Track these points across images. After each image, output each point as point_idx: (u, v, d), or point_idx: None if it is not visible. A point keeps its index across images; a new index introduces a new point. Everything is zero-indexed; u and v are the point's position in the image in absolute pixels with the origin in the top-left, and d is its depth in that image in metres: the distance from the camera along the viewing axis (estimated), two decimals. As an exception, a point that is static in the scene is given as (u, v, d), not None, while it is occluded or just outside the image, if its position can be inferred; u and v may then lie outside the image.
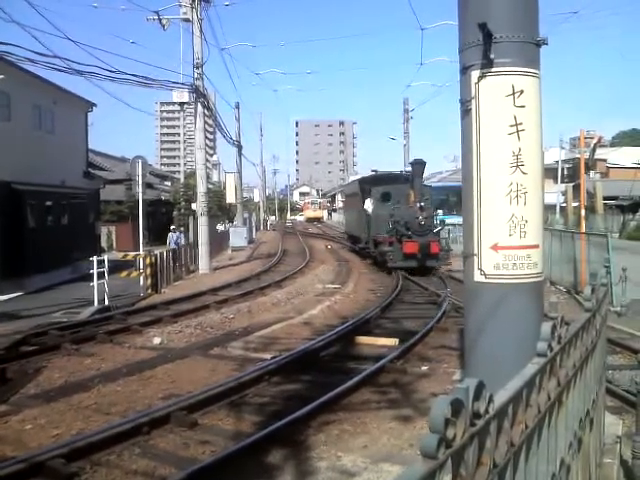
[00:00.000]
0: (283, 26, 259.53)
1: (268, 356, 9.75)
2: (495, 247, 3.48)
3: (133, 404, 7.60)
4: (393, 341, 10.64)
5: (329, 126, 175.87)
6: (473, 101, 3.54)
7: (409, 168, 26.40)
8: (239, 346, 10.86)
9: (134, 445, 6.23)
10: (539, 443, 2.10)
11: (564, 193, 45.86)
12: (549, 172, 52.77)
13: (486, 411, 1.44)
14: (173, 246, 23.49)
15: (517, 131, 3.45)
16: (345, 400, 7.58)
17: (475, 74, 3.52)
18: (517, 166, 3.45)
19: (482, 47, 3.44)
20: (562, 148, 57.17)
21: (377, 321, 12.83)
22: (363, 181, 28.78)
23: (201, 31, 23.68)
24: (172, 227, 24.55)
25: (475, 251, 3.54)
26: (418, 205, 21.39)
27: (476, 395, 1.38)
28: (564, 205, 44.45)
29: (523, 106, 3.47)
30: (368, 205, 25.24)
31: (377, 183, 26.03)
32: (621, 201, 50.60)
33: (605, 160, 66.35)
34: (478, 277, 3.55)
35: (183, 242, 26.01)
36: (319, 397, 7.31)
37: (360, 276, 21.75)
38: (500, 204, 3.45)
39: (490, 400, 1.47)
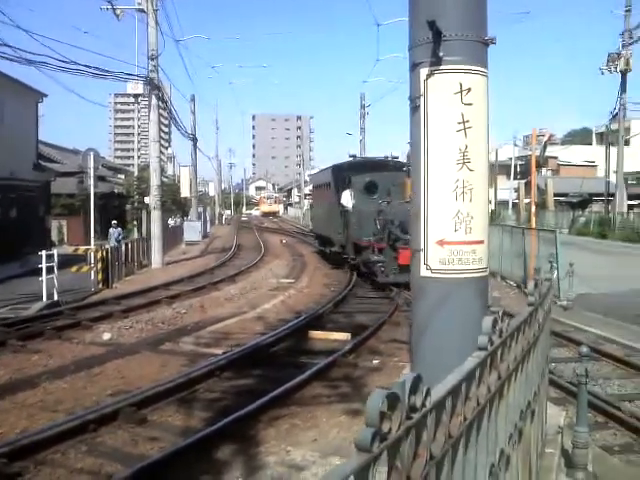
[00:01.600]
0: (240, 19, 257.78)
1: (220, 351, 9.70)
2: (441, 242, 3.53)
3: (80, 401, 7.45)
4: (345, 335, 10.71)
5: (286, 120, 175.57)
6: (422, 98, 3.57)
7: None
8: (190, 341, 10.77)
9: (80, 443, 6.11)
10: (478, 435, 2.13)
11: (517, 189, 46.79)
12: (503, 169, 53.90)
13: (423, 404, 1.45)
14: (114, 243, 21.61)
15: (464, 128, 3.50)
16: (296, 394, 7.60)
17: (424, 71, 3.55)
18: (464, 163, 3.50)
19: (431, 45, 3.47)
20: (515, 145, 58.36)
21: (330, 316, 12.89)
22: (339, 168, 22.27)
23: (156, 22, 23.35)
24: (113, 222, 23.31)
25: (422, 246, 3.58)
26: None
27: (413, 389, 1.39)
28: (517, 201, 45.33)
29: (470, 104, 3.52)
30: (347, 199, 19.77)
31: (359, 170, 20.23)
32: (571, 198, 51.93)
33: (557, 158, 67.90)
34: (424, 272, 3.59)
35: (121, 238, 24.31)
36: (270, 392, 7.31)
37: (314, 271, 21.80)
38: (446, 200, 3.50)
39: (427, 394, 1.48)
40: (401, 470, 1.31)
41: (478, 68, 3.58)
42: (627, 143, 44.41)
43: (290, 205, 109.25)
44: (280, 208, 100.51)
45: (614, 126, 37.53)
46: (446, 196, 3.49)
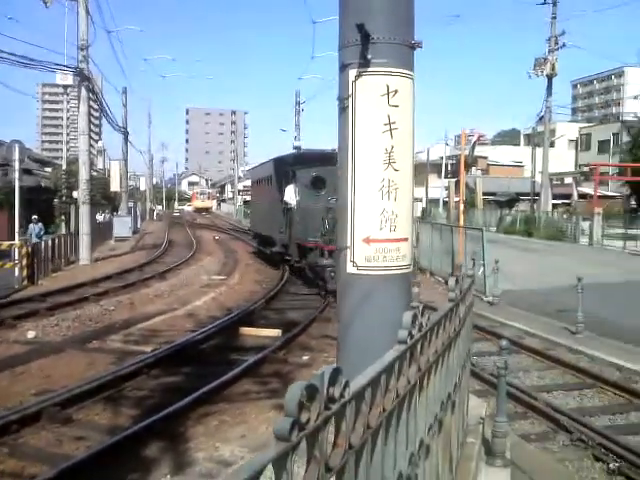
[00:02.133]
0: (174, 13, 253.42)
1: (149, 349, 9.58)
2: (367, 240, 3.62)
3: (3, 401, 7.24)
4: (276, 332, 10.76)
5: (220, 115, 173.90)
6: (350, 99, 3.64)
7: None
8: (119, 339, 10.60)
9: (2, 445, 5.95)
10: (398, 425, 2.21)
11: (447, 188, 47.83)
12: (434, 167, 55.02)
13: (341, 395, 1.50)
14: (35, 240, 20.63)
15: (390, 130, 3.60)
16: (226, 391, 7.60)
17: (352, 73, 3.63)
18: (389, 163, 3.60)
19: (360, 47, 3.55)
20: (447, 145, 59.68)
21: (262, 312, 12.92)
22: (282, 161, 20.34)
23: (87, 11, 22.74)
24: (34, 217, 22.22)
25: (348, 244, 3.66)
26: None
27: (332, 381, 1.44)
28: (447, 200, 46.35)
29: (397, 106, 3.62)
30: (290, 195, 18.13)
31: (304, 164, 18.28)
32: (499, 197, 53.49)
33: (486, 158, 69.81)
34: (350, 269, 3.68)
35: (42, 234, 23.30)
36: (199, 389, 7.29)
37: (247, 267, 21.75)
38: (372, 199, 3.59)
39: (346, 385, 1.54)
40: (320, 459, 1.37)
41: (405, 71, 3.68)
42: (552, 145, 46.10)
43: (223, 201, 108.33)
44: (213, 204, 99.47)
45: (540, 128, 38.85)
46: (372, 195, 3.58)
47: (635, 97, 44.87)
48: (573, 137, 64.70)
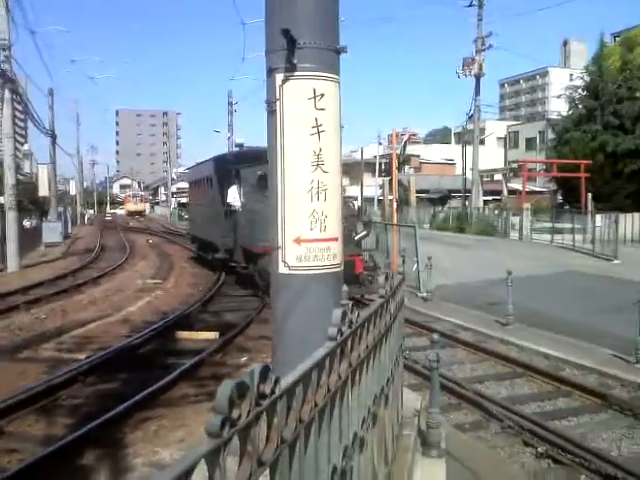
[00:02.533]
0: (102, 13, 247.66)
1: (83, 356, 9.39)
2: (298, 240, 3.69)
3: None
4: (214, 334, 10.72)
5: (152, 116, 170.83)
6: (277, 102, 3.71)
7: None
8: (51, 347, 10.33)
9: None
10: (331, 419, 2.28)
11: (381, 186, 48.45)
12: (369, 166, 55.68)
13: (272, 392, 1.56)
14: None
15: (318, 132, 3.68)
16: (164, 396, 7.54)
17: (279, 77, 3.69)
18: (318, 165, 3.68)
19: (286, 52, 3.61)
20: (380, 144, 60.55)
21: (198, 315, 12.84)
22: (223, 160, 18.63)
23: (7, 9, 21.99)
24: None
25: (280, 244, 3.73)
26: None
27: (262, 378, 1.50)
28: (381, 198, 46.94)
29: (324, 109, 3.70)
30: (234, 196, 16.66)
31: (249, 162, 16.12)
32: (432, 194, 54.57)
33: (419, 156, 71.12)
34: (282, 269, 3.74)
35: None
36: (137, 395, 7.21)
37: (182, 270, 21.51)
38: (302, 200, 3.67)
39: (276, 382, 1.60)
40: (252, 454, 1.42)
41: (331, 75, 3.77)
42: (482, 142, 47.32)
43: (157, 204, 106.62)
44: (147, 207, 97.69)
45: (470, 126, 39.84)
46: (302, 196, 3.66)
47: (558, 96, 46.40)
48: (502, 135, 66.61)
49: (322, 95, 3.70)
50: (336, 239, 3.82)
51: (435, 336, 5.45)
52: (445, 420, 6.92)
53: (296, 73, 3.66)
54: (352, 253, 13.04)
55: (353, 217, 14.39)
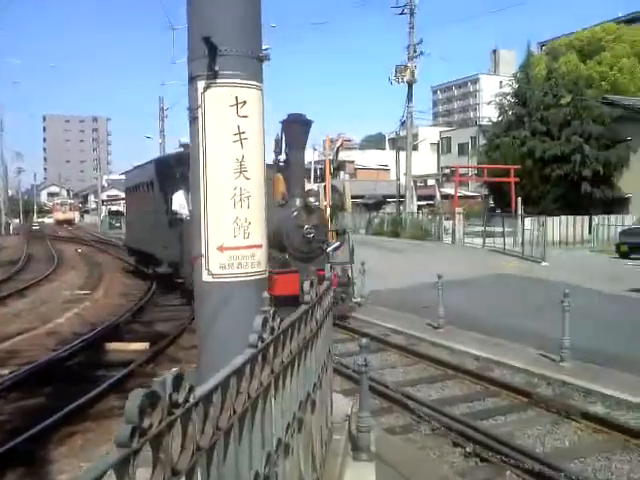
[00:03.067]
0: (26, 17, 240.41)
1: (6, 371, 9.05)
2: (221, 248, 3.66)
3: None
4: (144, 345, 10.53)
5: (81, 122, 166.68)
6: (199, 109, 3.68)
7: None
8: (-28, 363, 9.93)
9: None
10: (253, 426, 2.27)
11: (317, 192, 48.51)
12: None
13: (186, 400, 1.54)
14: None
15: (240, 139, 3.66)
16: (91, 409, 7.35)
17: (201, 84, 3.66)
18: (241, 172, 3.66)
19: (208, 59, 3.59)
20: (314, 150, 60.81)
21: (129, 326, 12.58)
22: (166, 163, 16.86)
23: None
24: None
25: (203, 252, 3.69)
26: (298, 202, 12.14)
27: (175, 386, 1.48)
28: (317, 204, 46.98)
29: (246, 116, 3.69)
30: (180, 202, 15.00)
31: None
32: (367, 199, 55.14)
33: (353, 162, 71.77)
34: (206, 277, 3.71)
35: None
36: (62, 409, 7.00)
37: (112, 280, 21.01)
38: (225, 207, 3.65)
39: (191, 390, 1.58)
40: (165, 463, 1.40)
41: (253, 82, 3.77)
42: (415, 148, 48.12)
43: (87, 212, 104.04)
44: (76, 215, 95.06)
45: (403, 132, 40.47)
46: (225, 203, 3.64)
47: (489, 103, 47.68)
48: (435, 141, 67.93)
49: (244, 102, 3.68)
50: (260, 246, 3.81)
51: (364, 341, 5.50)
52: (376, 424, 6.99)
53: (218, 80, 3.64)
54: (323, 267, 11.33)
55: (324, 226, 12.71)
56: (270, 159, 13.91)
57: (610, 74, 47.83)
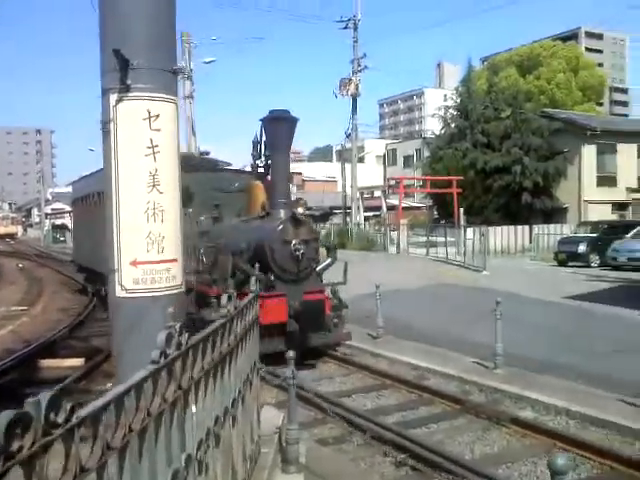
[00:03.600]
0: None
1: None
2: (134, 263, 3.65)
3: None
4: (79, 361, 10.32)
5: (24, 134, 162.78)
6: (112, 123, 3.66)
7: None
8: None
9: None
10: (157, 443, 2.25)
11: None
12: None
13: (67, 420, 1.52)
14: None
15: (153, 153, 3.67)
16: (18, 429, 7.14)
17: (113, 97, 3.66)
18: (154, 186, 3.66)
19: (119, 73, 3.58)
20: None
21: (65, 342, 12.30)
22: None
23: None
24: None
25: (116, 267, 3.67)
26: (283, 214, 10.47)
27: (54, 406, 1.45)
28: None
29: (159, 129, 3.70)
30: None
31: None
32: (314, 211, 55.33)
33: (301, 173, 71.96)
34: (119, 292, 3.68)
35: None
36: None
37: (52, 296, 20.52)
38: (138, 222, 3.64)
39: (73, 410, 1.55)
40: (41, 486, 1.38)
41: (167, 96, 3.78)
42: (362, 160, 48.55)
43: (30, 226, 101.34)
44: (19, 229, 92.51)
45: (349, 145, 40.80)
46: (138, 218, 3.63)
47: (432, 115, 48.57)
48: (381, 153, 68.71)
49: (157, 116, 3.69)
50: (176, 260, 3.81)
51: (291, 353, 5.52)
52: (309, 435, 7.01)
53: (130, 94, 3.64)
54: (314, 288, 10.49)
55: (314, 241, 10.78)
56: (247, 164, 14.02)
57: (548, 88, 49.38)
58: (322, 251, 11.68)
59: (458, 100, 41.09)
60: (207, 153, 17.53)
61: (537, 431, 7.05)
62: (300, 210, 10.24)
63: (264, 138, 11.56)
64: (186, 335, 2.86)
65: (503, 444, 6.96)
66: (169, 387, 2.48)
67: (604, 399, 7.85)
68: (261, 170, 12.04)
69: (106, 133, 3.72)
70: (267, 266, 10.02)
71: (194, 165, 14.06)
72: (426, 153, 47.55)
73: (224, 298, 3.89)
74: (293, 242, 10.02)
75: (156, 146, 3.66)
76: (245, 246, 10.26)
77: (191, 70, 32.48)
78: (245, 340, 4.34)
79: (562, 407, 7.72)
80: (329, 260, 11.36)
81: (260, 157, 11.87)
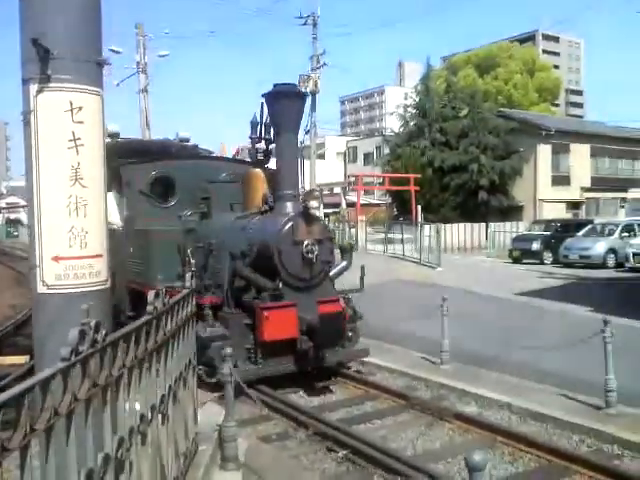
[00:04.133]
0: None
1: None
2: (56, 258, 3.56)
3: None
4: (23, 358, 10.06)
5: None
6: (32, 114, 3.57)
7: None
8: None
9: None
10: (68, 443, 2.19)
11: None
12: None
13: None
14: None
15: (76, 146, 3.58)
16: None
17: (34, 87, 3.57)
18: (77, 179, 3.58)
19: (40, 62, 3.49)
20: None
21: (10, 339, 12.02)
22: None
23: None
24: None
25: (37, 263, 3.57)
26: (291, 208, 8.82)
27: None
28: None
29: (82, 122, 3.62)
30: (111, 208, 9.63)
31: (135, 157, 11.16)
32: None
33: (262, 171, 71.60)
34: (41, 288, 3.60)
35: None
36: None
37: (3, 292, 20.05)
38: (60, 216, 3.55)
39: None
40: None
41: (91, 88, 3.69)
42: (323, 157, 48.59)
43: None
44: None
45: (309, 141, 40.76)
46: (60, 212, 3.54)
47: (392, 113, 48.87)
48: (342, 150, 68.87)
49: (80, 108, 3.61)
50: (100, 256, 3.73)
51: (228, 350, 5.47)
52: (252, 432, 6.98)
53: (51, 84, 3.55)
54: (329, 297, 8.90)
55: (329, 241, 9.08)
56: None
57: (505, 89, 50.16)
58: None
59: (417, 99, 41.39)
60: (187, 140, 16.42)
61: (479, 426, 7.13)
62: (314, 204, 8.53)
63: (265, 118, 10.12)
64: (103, 332, 2.80)
65: (445, 439, 7.02)
66: (82, 385, 2.42)
67: (547, 394, 7.98)
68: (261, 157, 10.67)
69: (26, 124, 3.62)
70: (273, 271, 8.49)
71: (175, 153, 12.42)
72: (386, 150, 47.80)
73: (150, 295, 3.82)
74: (305, 242, 8.45)
75: (78, 139, 3.57)
76: (246, 247, 8.65)
77: (145, 64, 31.99)
78: (177, 338, 4.28)
79: (505, 402, 7.82)
80: (344, 263, 9.71)
81: (260, 141, 10.46)
